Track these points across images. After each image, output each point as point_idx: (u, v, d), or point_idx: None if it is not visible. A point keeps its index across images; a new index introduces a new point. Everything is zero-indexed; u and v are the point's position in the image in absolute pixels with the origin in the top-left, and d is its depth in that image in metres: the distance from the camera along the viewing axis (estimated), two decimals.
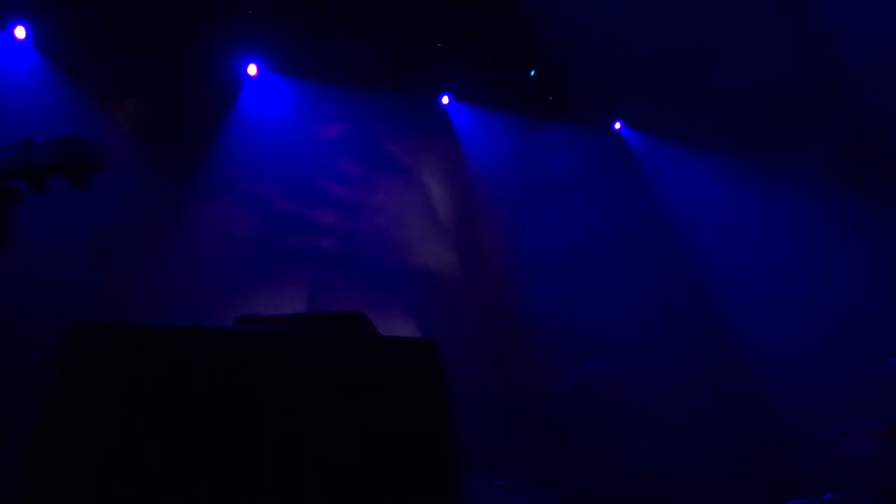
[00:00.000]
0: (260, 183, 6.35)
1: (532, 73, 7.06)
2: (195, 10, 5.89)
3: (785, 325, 6.16)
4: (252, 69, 6.37)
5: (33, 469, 1.49)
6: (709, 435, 6.12)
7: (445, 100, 7.07)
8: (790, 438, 5.74)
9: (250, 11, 6.10)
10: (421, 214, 6.96)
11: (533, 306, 6.53)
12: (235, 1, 6.04)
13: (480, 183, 7.09)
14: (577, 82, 6.67)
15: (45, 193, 1.50)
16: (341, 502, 1.59)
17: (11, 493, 1.49)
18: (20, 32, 5.72)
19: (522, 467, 5.38)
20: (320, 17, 6.18)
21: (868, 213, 5.94)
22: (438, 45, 6.64)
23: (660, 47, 6.25)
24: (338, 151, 6.67)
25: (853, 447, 4.18)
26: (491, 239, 7.08)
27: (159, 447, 1.50)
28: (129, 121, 5.92)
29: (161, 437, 1.50)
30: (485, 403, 5.76)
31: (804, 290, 6.23)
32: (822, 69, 5.98)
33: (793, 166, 6.50)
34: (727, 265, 6.65)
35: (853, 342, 5.78)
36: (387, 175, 6.87)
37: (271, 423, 1.55)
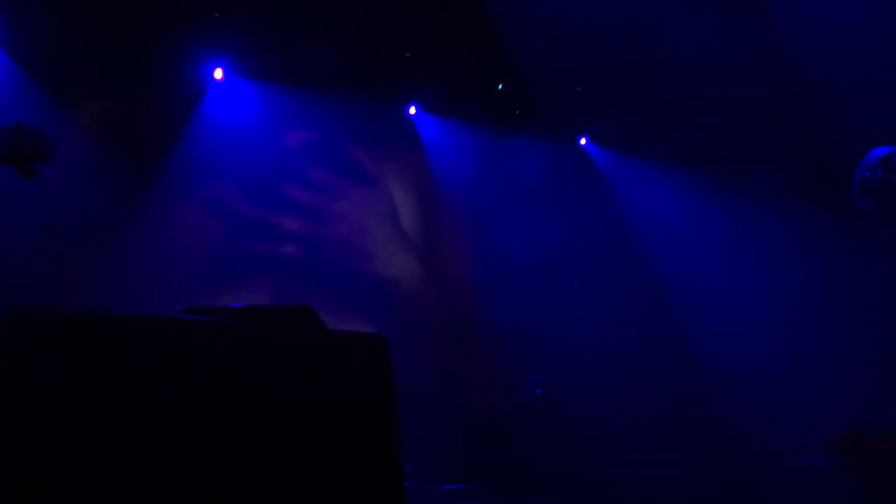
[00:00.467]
0: (223, 186, 6.32)
1: (500, 86, 7.10)
2: (163, 14, 5.86)
3: (744, 338, 6.24)
4: (218, 73, 6.33)
5: None
6: (666, 448, 6.17)
7: (412, 110, 7.09)
8: (747, 451, 5.79)
9: (217, 15, 6.08)
10: (386, 223, 6.96)
11: (496, 315, 6.57)
12: (203, 4, 6.01)
13: (446, 193, 7.11)
14: (544, 96, 6.72)
15: None
16: (281, 499, 1.58)
17: None
18: None
19: (476, 474, 5.38)
20: (289, 23, 6.17)
21: (826, 229, 6.05)
22: (407, 54, 6.65)
23: (627, 64, 6.33)
24: (304, 158, 6.66)
25: (809, 459, 4.23)
26: (455, 249, 7.10)
27: (96, 431, 1.48)
28: (93, 120, 5.87)
29: (98, 421, 1.48)
30: (446, 411, 5.77)
31: (764, 305, 6.32)
32: (785, 87, 6.09)
33: (753, 183, 6.61)
34: (688, 278, 6.73)
35: (812, 356, 5.87)
36: (352, 183, 6.87)
37: (207, 413, 1.54)
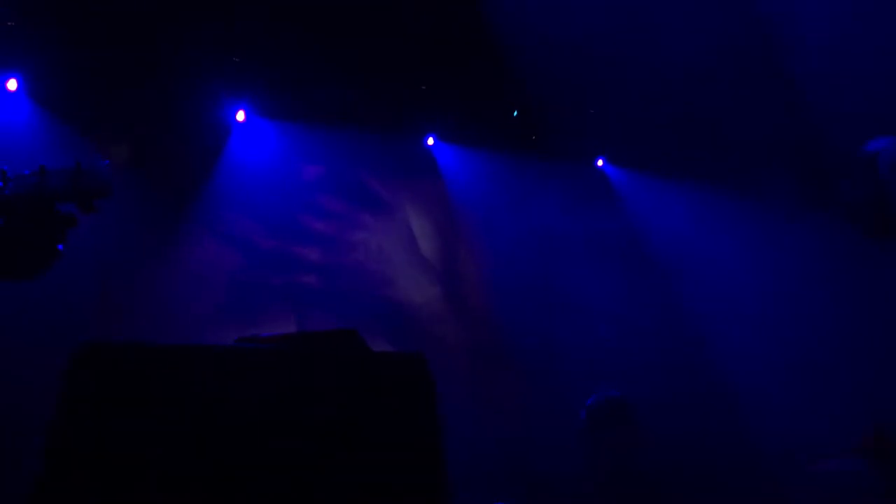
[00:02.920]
0: (246, 222, 6.50)
1: (515, 113, 7.24)
2: (187, 60, 6.06)
3: (758, 345, 6.28)
4: (240, 115, 6.53)
5: (42, 484, 1.57)
6: (686, 459, 6.18)
7: (430, 141, 7.23)
8: (766, 460, 5.81)
9: (237, 60, 6.27)
10: (405, 251, 7.08)
11: (516, 337, 6.64)
12: (222, 50, 6.20)
13: (464, 219, 7.22)
14: (559, 120, 6.84)
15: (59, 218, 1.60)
16: None
17: None
18: (12, 85, 5.86)
19: (509, 492, 5.44)
20: (305, 63, 6.34)
21: (837, 236, 6.10)
22: (423, 87, 6.81)
23: (638, 84, 6.44)
24: (323, 191, 6.82)
25: (834, 465, 4.25)
26: (474, 273, 7.20)
27: (164, 460, 1.58)
28: (123, 163, 6.06)
29: (166, 450, 1.59)
30: (469, 436, 5.83)
31: (778, 312, 6.36)
32: (787, 100, 6.18)
33: (762, 192, 6.69)
34: (704, 292, 6.79)
35: (828, 361, 5.89)
36: (372, 213, 7.01)
37: (270, 435, 1.64)
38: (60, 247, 1.70)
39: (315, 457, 1.67)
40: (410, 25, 6.10)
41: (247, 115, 6.56)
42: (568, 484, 5.85)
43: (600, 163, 7.68)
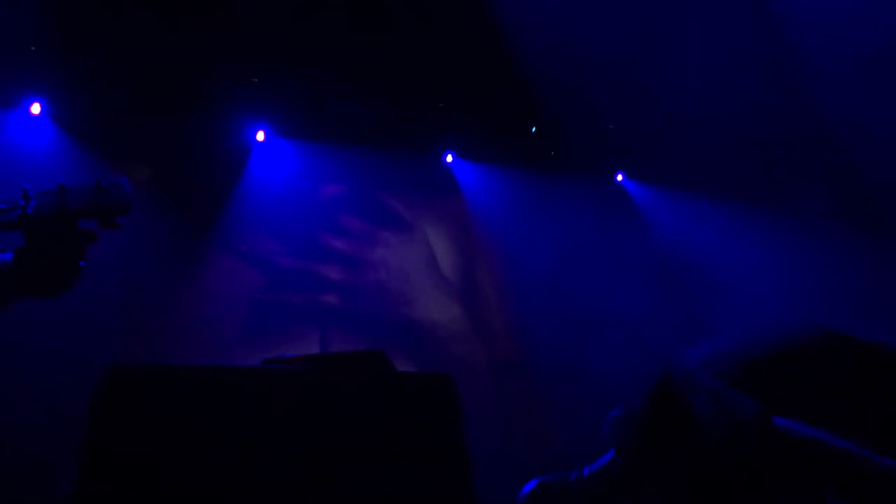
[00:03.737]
0: (268, 241, 6.53)
1: (533, 129, 7.23)
2: (207, 82, 6.12)
3: None
4: (260, 136, 6.57)
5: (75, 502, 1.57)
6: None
7: (449, 158, 7.24)
8: None
9: (256, 80, 6.32)
10: (426, 269, 7.08)
11: (538, 356, 6.61)
12: (242, 71, 6.25)
13: (485, 236, 7.21)
14: (578, 136, 6.82)
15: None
16: None
17: None
18: (36, 109, 5.94)
19: None
20: (324, 82, 6.38)
21: (866, 249, 6.04)
22: (440, 105, 6.82)
23: (657, 99, 6.42)
24: (344, 210, 6.84)
25: None
26: (496, 291, 7.18)
27: (190, 481, 1.57)
28: (146, 185, 6.12)
29: (193, 471, 1.58)
30: (492, 455, 5.79)
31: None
32: (813, 112, 6.14)
33: (789, 209, 6.63)
34: (729, 306, 6.72)
35: None
36: (393, 232, 7.02)
37: (299, 457, 1.63)
38: (82, 263, 1.70)
39: (345, 478, 1.65)
40: (428, 44, 6.12)
41: (267, 135, 6.60)
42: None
43: (620, 178, 7.66)
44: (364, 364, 1.77)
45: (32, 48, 5.64)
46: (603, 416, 5.87)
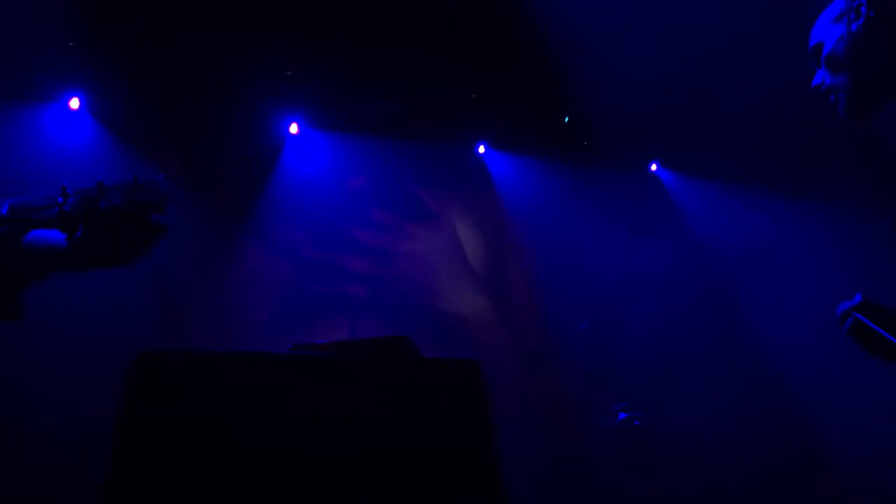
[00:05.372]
0: (299, 232, 6.60)
1: (566, 118, 7.20)
2: (242, 76, 6.20)
3: (827, 353, 6.10)
4: (294, 128, 6.63)
5: (108, 487, 1.61)
6: (752, 471, 6.05)
7: (482, 149, 7.23)
8: (833, 468, 5.65)
9: (289, 73, 6.36)
10: (454, 261, 7.10)
11: (568, 347, 6.59)
12: (276, 64, 6.30)
13: (516, 227, 7.20)
14: (612, 125, 6.77)
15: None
16: None
17: None
18: (74, 103, 6.04)
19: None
20: (356, 75, 6.41)
21: None
22: (473, 96, 6.82)
23: (691, 86, 6.34)
24: (375, 202, 6.88)
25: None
26: (525, 281, 7.16)
27: (222, 464, 1.60)
28: (182, 177, 6.21)
29: (225, 454, 1.61)
30: (522, 445, 5.80)
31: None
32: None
33: (827, 195, 6.51)
34: (768, 296, 6.64)
35: None
36: (422, 224, 7.04)
37: (328, 440, 1.65)
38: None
39: (373, 461, 1.67)
40: (459, 33, 6.11)
41: (300, 127, 6.65)
42: (618, 493, 5.79)
43: (654, 167, 7.59)
44: (390, 349, 1.79)
45: (70, 43, 5.73)
46: (623, 406, 5.87)
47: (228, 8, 5.65)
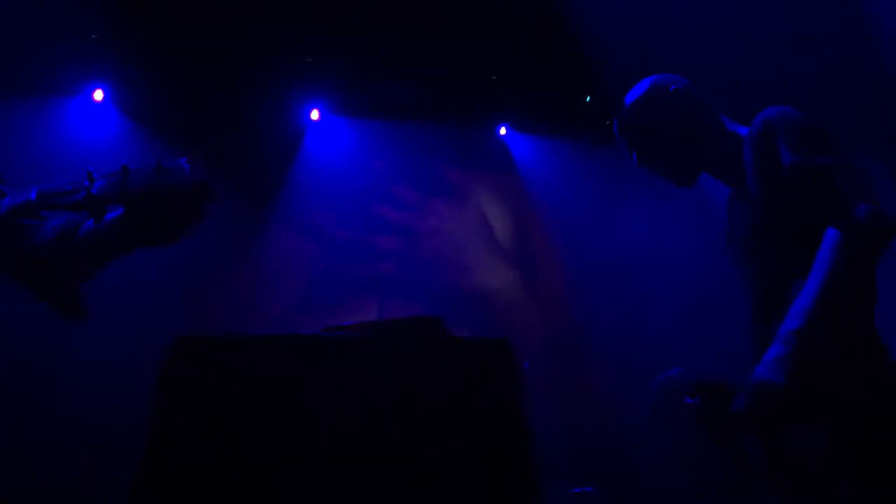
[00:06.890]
0: (325, 215, 6.66)
1: (588, 98, 7.15)
2: (264, 64, 6.22)
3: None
4: (315, 114, 6.64)
5: (145, 475, 1.63)
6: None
7: (503, 130, 7.22)
8: None
9: (310, 60, 6.37)
10: (481, 238, 7.11)
11: (595, 323, 6.59)
12: (297, 51, 6.31)
13: (540, 206, 7.20)
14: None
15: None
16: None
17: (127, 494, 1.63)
18: (98, 95, 6.10)
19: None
20: (376, 59, 6.41)
21: None
22: (493, 77, 6.80)
23: (712, 68, 6.27)
24: (398, 183, 6.91)
25: None
26: (552, 259, 7.16)
27: (259, 446, 1.63)
28: (207, 165, 6.25)
29: (261, 437, 1.63)
30: (552, 421, 5.81)
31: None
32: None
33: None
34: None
35: None
36: (447, 202, 7.06)
37: (361, 421, 1.67)
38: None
39: (405, 441, 1.69)
40: (482, 16, 6.08)
41: (321, 113, 6.67)
42: (648, 470, 5.77)
43: None
44: (421, 329, 1.80)
45: (93, 36, 5.77)
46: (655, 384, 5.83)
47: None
